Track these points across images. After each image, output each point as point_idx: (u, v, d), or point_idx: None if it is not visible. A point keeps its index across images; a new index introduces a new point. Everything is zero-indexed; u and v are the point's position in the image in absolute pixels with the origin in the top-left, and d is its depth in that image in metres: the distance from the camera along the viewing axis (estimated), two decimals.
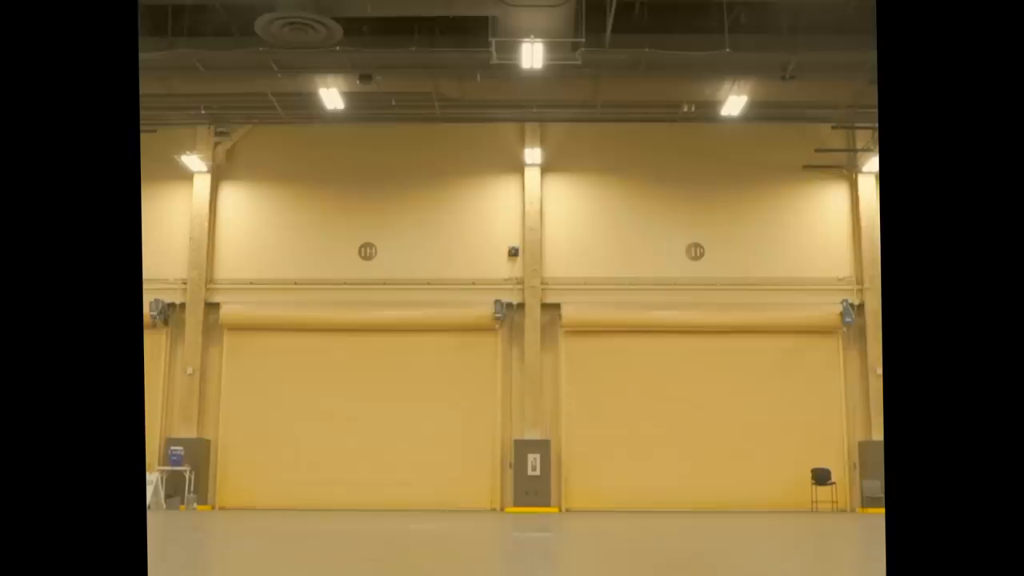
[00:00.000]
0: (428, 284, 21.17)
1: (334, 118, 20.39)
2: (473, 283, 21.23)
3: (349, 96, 19.42)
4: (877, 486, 19.46)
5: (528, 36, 16.51)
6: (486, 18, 16.43)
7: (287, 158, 21.89)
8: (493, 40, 16.54)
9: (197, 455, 20.18)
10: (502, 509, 20.06)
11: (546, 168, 21.79)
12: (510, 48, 16.81)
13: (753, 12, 16.76)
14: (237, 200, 21.95)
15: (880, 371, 19.01)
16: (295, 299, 21.19)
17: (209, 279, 21.46)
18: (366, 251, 21.58)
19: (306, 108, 20.13)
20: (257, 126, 21.81)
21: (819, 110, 20.15)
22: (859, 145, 21.32)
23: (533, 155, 21.60)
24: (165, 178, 21.18)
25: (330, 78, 18.74)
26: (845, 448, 20.65)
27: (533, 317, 20.92)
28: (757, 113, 19.89)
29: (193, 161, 21.42)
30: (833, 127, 20.78)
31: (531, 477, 19.95)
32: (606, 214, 21.66)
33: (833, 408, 20.73)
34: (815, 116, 20.44)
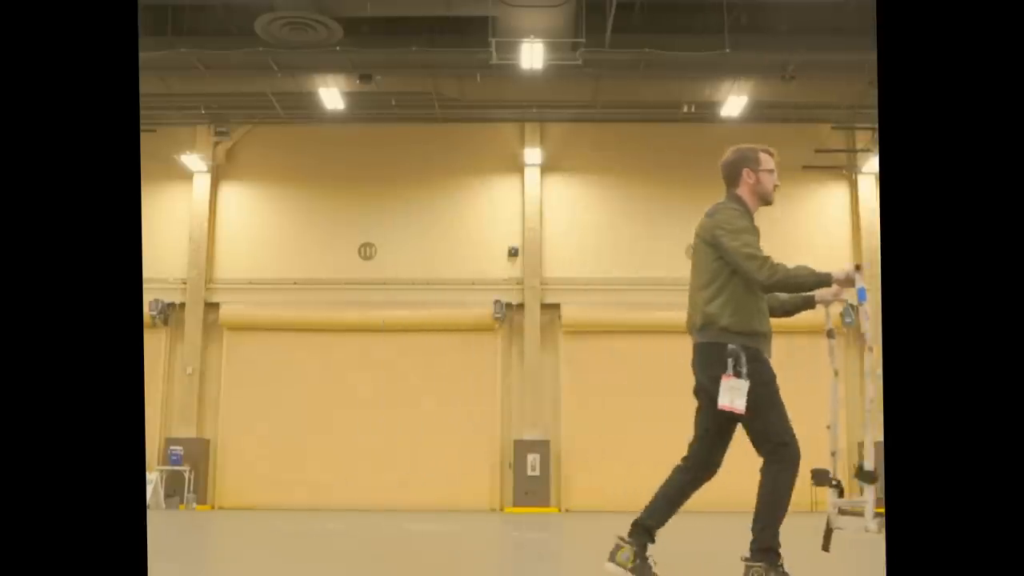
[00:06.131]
0: (428, 284, 21.16)
1: (334, 118, 20.40)
2: (473, 283, 21.22)
3: (349, 96, 19.42)
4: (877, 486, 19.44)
5: (528, 36, 16.52)
6: (486, 18, 16.43)
7: (287, 158, 21.88)
8: (493, 40, 16.55)
9: (196, 455, 20.18)
10: (502, 509, 20.05)
11: (546, 168, 21.77)
12: (510, 48, 16.81)
13: (753, 12, 16.77)
14: (237, 200, 21.94)
15: (880, 371, 19.00)
16: (295, 299, 21.19)
17: (209, 279, 21.45)
18: (366, 251, 21.56)
19: (306, 108, 20.15)
20: (257, 126, 21.81)
21: (819, 110, 20.16)
22: (859, 145, 21.31)
23: (533, 155, 21.58)
24: (165, 178, 21.18)
25: (330, 78, 18.74)
26: (845, 448, 20.64)
27: (533, 317, 20.91)
28: (757, 113, 19.90)
29: (193, 161, 21.41)
30: (833, 127, 20.77)
31: (531, 477, 19.94)
32: (606, 214, 21.65)
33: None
34: (815, 116, 20.44)
